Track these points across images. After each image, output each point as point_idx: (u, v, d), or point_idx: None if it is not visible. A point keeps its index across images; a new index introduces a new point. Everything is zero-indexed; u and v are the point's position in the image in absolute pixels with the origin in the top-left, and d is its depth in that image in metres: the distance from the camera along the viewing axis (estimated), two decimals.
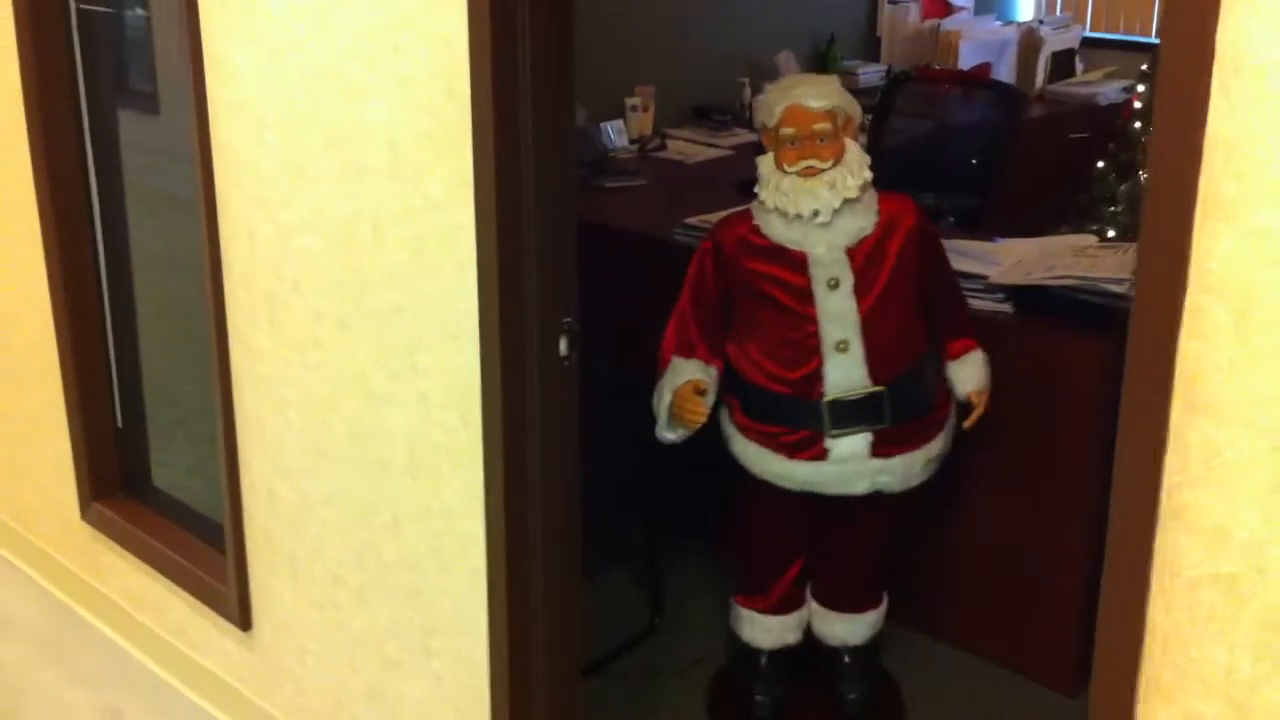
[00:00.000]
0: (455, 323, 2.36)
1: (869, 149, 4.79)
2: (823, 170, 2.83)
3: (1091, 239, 3.81)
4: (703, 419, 2.92)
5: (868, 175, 2.88)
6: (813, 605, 3.27)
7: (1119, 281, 3.20)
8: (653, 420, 3.02)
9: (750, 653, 3.30)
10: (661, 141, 5.07)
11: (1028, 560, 3.37)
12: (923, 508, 3.47)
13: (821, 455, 2.93)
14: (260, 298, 2.76)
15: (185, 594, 3.26)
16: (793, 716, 3.28)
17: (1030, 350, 3.29)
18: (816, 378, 2.89)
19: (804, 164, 2.82)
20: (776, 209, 2.86)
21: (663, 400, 2.97)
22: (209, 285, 2.83)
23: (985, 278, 3.37)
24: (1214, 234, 1.45)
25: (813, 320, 2.88)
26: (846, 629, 3.25)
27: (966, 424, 3.04)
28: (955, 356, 3.03)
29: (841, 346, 2.87)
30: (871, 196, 2.91)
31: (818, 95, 2.83)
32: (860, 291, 2.87)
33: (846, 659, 3.28)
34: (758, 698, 3.25)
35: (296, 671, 3.01)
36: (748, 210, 2.96)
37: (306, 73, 2.49)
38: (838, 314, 2.87)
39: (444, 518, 2.51)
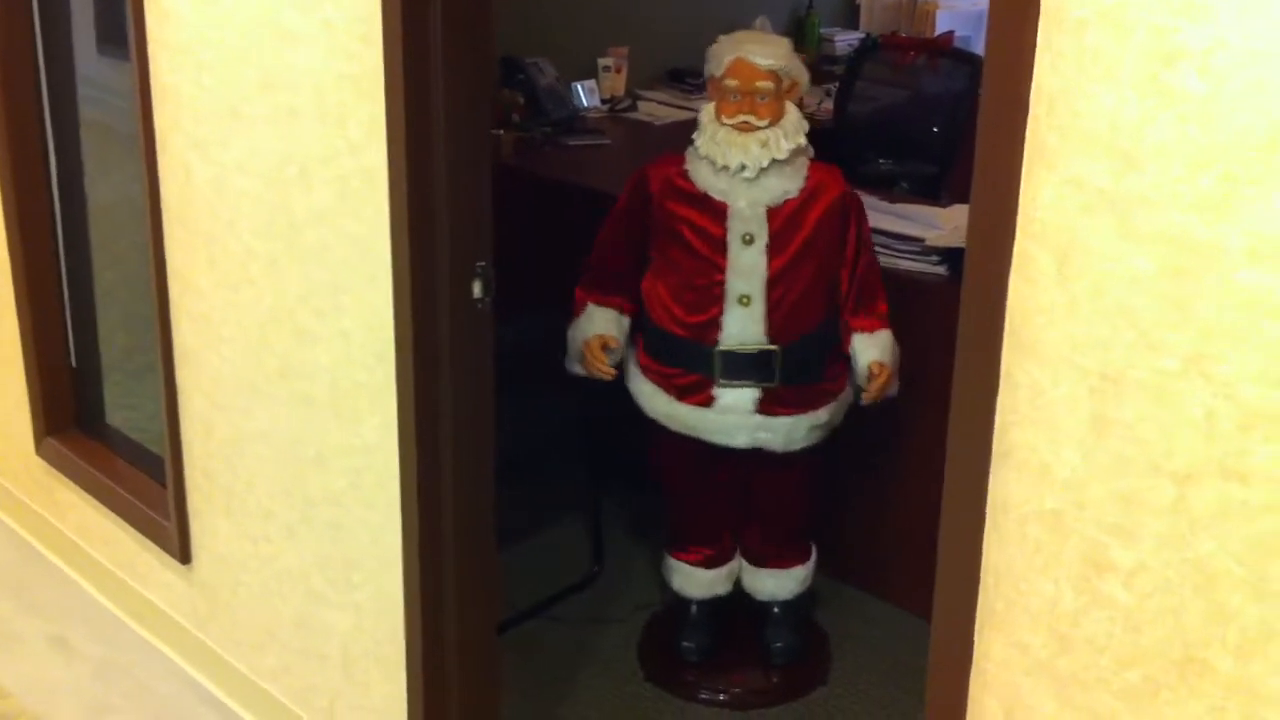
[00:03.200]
0: (373, 263, 2.42)
1: (835, 114, 4.88)
2: (758, 128, 2.89)
3: None
4: (610, 375, 3.05)
5: (802, 141, 2.95)
6: (741, 562, 3.35)
7: None
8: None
9: (681, 601, 3.38)
10: (633, 103, 5.12)
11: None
12: (859, 465, 3.56)
13: (707, 402, 3.02)
14: (198, 236, 2.83)
15: (130, 528, 3.34)
16: (720, 663, 3.36)
17: None
18: (714, 325, 2.97)
19: (741, 118, 2.89)
20: (707, 157, 2.93)
21: (574, 343, 3.09)
22: (149, 223, 2.90)
23: (922, 240, 3.43)
24: (1039, 183, 1.51)
25: (721, 270, 2.95)
26: (774, 584, 3.33)
27: (865, 396, 3.06)
28: (864, 331, 3.05)
29: (744, 300, 2.95)
30: (802, 163, 2.98)
31: (766, 54, 2.90)
32: (772, 250, 2.94)
33: (776, 610, 3.36)
34: (684, 644, 3.33)
35: (232, 604, 3.10)
36: (682, 155, 3.03)
37: (242, 16, 2.55)
38: (746, 269, 2.94)
39: (363, 454, 2.59)
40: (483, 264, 2.43)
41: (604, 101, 5.12)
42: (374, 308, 2.45)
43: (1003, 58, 1.48)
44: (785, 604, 3.35)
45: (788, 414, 3.02)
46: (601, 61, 5.15)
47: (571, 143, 4.59)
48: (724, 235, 2.95)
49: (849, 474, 3.59)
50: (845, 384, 3.12)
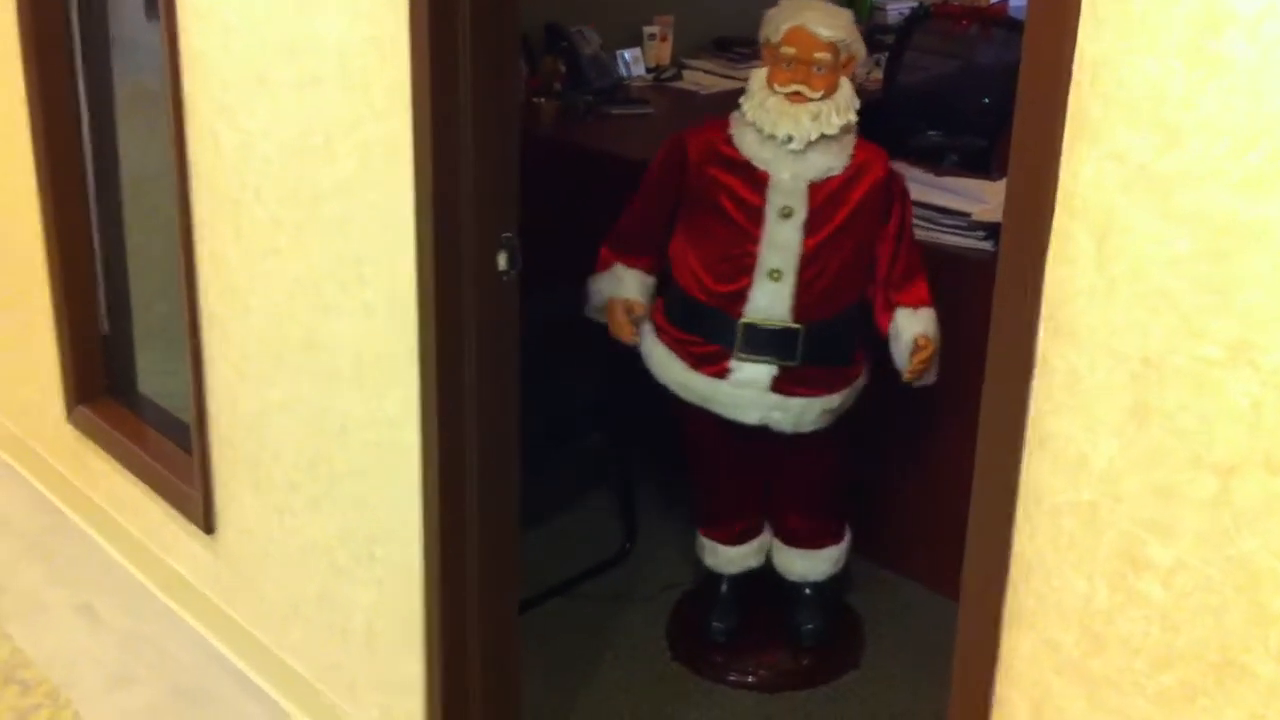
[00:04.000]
0: (397, 234, 2.37)
1: (884, 84, 4.78)
2: (810, 99, 2.81)
3: None
4: (634, 341, 3.02)
5: (852, 117, 2.86)
6: (773, 540, 3.28)
7: None
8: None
9: (712, 578, 3.32)
10: (678, 71, 5.04)
11: None
12: (899, 446, 3.48)
13: (723, 374, 2.95)
14: (226, 204, 2.78)
15: (158, 497, 3.32)
16: (749, 643, 3.30)
17: None
18: (741, 297, 2.90)
19: (794, 88, 2.81)
20: (754, 124, 2.84)
21: (597, 295, 3.06)
22: (177, 191, 2.86)
23: (968, 215, 3.33)
24: (1080, 158, 1.43)
25: (755, 241, 2.88)
26: (806, 565, 3.26)
27: (908, 372, 2.93)
28: (908, 306, 2.94)
29: (775, 275, 2.87)
30: (849, 140, 2.89)
31: (827, 24, 2.81)
32: (810, 227, 2.86)
33: (807, 591, 3.29)
34: (714, 624, 3.27)
35: (256, 576, 3.06)
36: (726, 119, 2.95)
37: None
38: (781, 243, 2.87)
39: (387, 427, 2.53)
40: (509, 235, 2.37)
41: (649, 70, 5.04)
42: (397, 280, 2.39)
43: (1044, 23, 1.40)
44: (816, 585, 3.29)
45: (802, 394, 2.95)
46: (647, 30, 5.06)
47: (614, 112, 4.51)
48: (762, 206, 2.87)
49: (888, 455, 3.52)
50: (863, 370, 3.05)
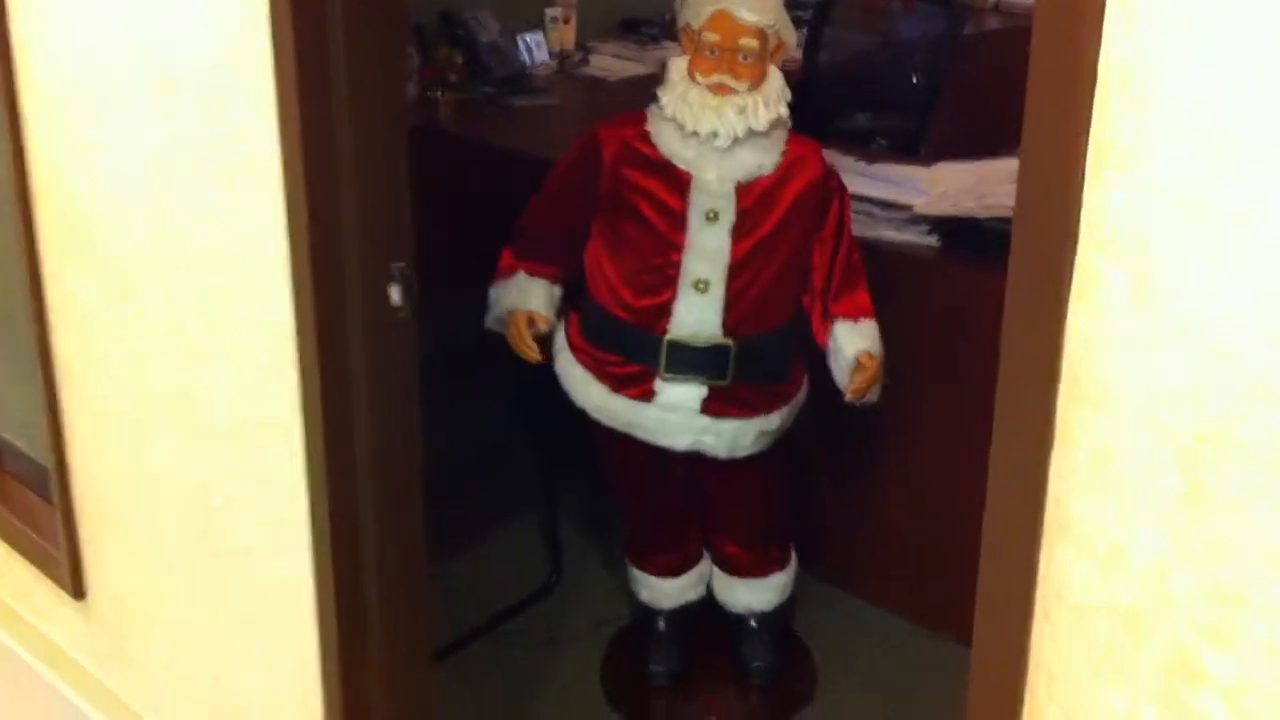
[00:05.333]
0: (270, 269, 2.03)
1: (804, 64, 4.48)
2: (736, 91, 2.50)
3: None
4: (536, 358, 2.69)
5: (783, 111, 2.56)
6: (713, 570, 2.99)
7: None
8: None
9: (649, 613, 3.03)
10: (584, 57, 4.71)
11: (958, 515, 3.07)
12: (844, 457, 3.20)
13: (647, 396, 2.65)
14: (75, 237, 2.42)
15: (22, 557, 2.95)
16: (693, 685, 3.02)
17: (958, 290, 2.98)
18: (665, 312, 2.60)
19: (717, 78, 2.50)
20: (674, 119, 2.53)
21: (497, 305, 2.72)
22: (18, 222, 2.49)
23: (910, 208, 3.05)
24: (1108, 183, 1.13)
25: (678, 250, 2.58)
26: (750, 595, 2.98)
27: (850, 392, 2.64)
28: (848, 318, 2.66)
29: (700, 286, 2.57)
30: (781, 135, 2.60)
31: (753, 8, 2.50)
32: (738, 232, 2.56)
33: (752, 623, 3.01)
34: (652, 666, 2.99)
35: (137, 651, 2.72)
36: (643, 114, 2.64)
37: None
38: (707, 250, 2.57)
39: (270, 492, 2.20)
40: (401, 265, 2.04)
41: (552, 56, 4.70)
42: (274, 321, 2.05)
43: (1061, 17, 1.10)
44: (763, 616, 3.00)
45: (736, 416, 2.66)
46: (549, 12, 4.72)
47: (518, 104, 4.18)
48: (685, 210, 2.57)
49: (833, 466, 3.24)
50: (801, 386, 2.77)
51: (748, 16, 2.48)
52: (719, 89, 2.50)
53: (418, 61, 4.26)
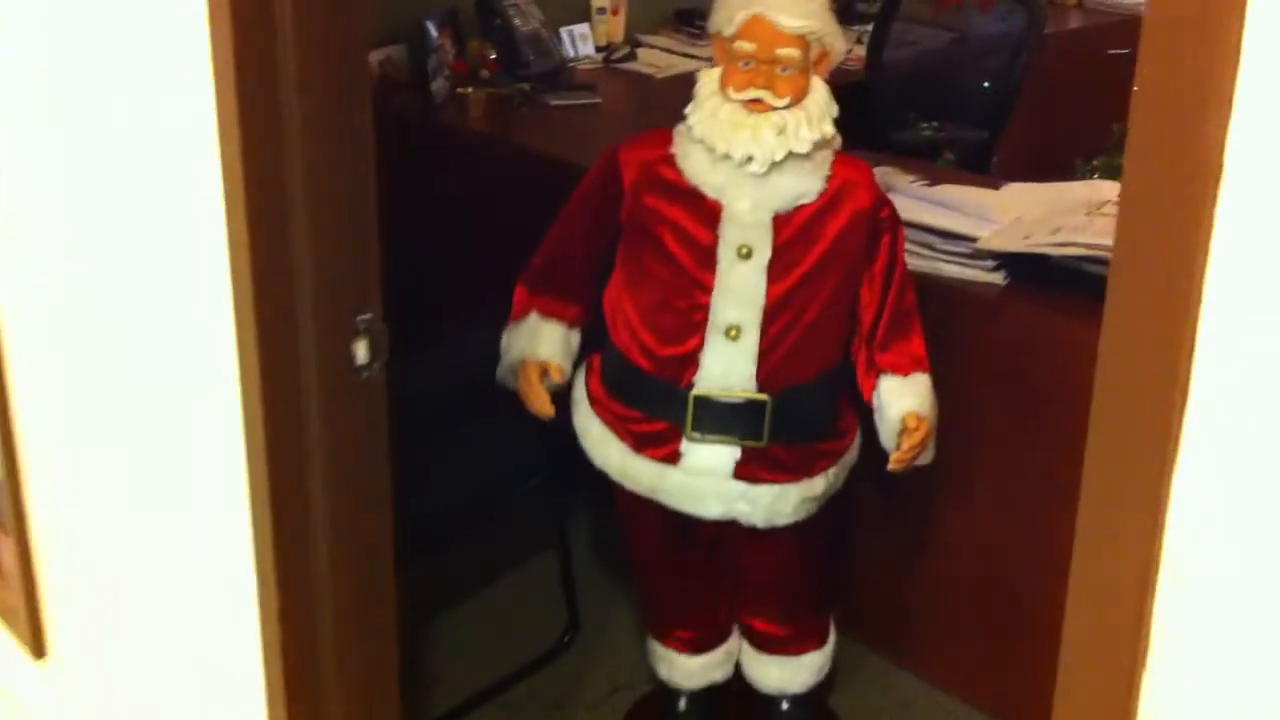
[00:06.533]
0: (213, 327, 1.73)
1: (867, 64, 4.14)
2: (774, 107, 2.18)
3: (1111, 189, 3.13)
4: (549, 414, 2.35)
5: (829, 129, 2.23)
6: (742, 642, 2.68)
7: None
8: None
9: (670, 692, 2.72)
10: (631, 50, 4.40)
11: (1016, 582, 2.74)
12: (887, 513, 2.87)
13: (673, 458, 2.32)
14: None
15: None
16: None
17: (1026, 332, 2.64)
18: (690, 361, 2.28)
19: (753, 93, 2.18)
20: (703, 140, 2.22)
21: (509, 353, 2.40)
22: None
23: (974, 239, 2.71)
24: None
25: (706, 290, 2.25)
26: (784, 675, 2.66)
27: (894, 459, 2.33)
28: (895, 373, 2.34)
29: (732, 333, 2.25)
30: (825, 158, 2.26)
31: (794, 12, 2.17)
32: (775, 270, 2.24)
33: (785, 705, 2.69)
34: None
35: (97, 712, 2.45)
36: (668, 133, 2.31)
37: None
38: (739, 291, 2.24)
39: (221, 573, 1.91)
40: (368, 317, 1.74)
41: (598, 49, 4.40)
42: (219, 385, 1.75)
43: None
44: (796, 698, 2.68)
45: (774, 481, 2.33)
46: (596, 3, 4.41)
47: (554, 103, 3.87)
48: (714, 244, 2.25)
49: (874, 523, 2.91)
50: (852, 441, 2.44)
51: (787, 22, 2.16)
52: (755, 106, 2.19)
53: (452, 54, 3.97)
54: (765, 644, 2.63)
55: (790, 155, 2.19)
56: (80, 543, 2.29)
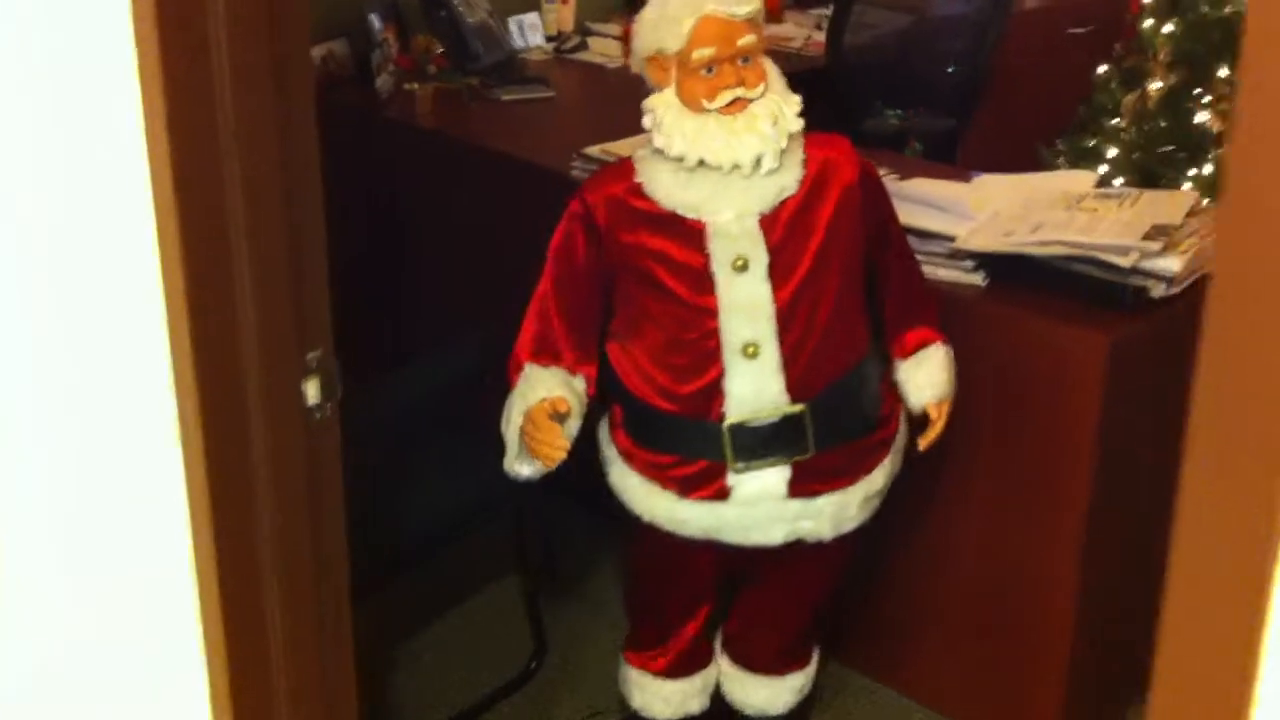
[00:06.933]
0: (148, 369, 1.58)
1: (827, 49, 4.01)
2: (752, 100, 2.06)
3: (1089, 178, 3.02)
4: (562, 455, 2.14)
5: (797, 103, 2.12)
6: (723, 664, 2.56)
7: (1123, 250, 2.43)
8: None
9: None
10: (583, 40, 4.26)
11: (1005, 595, 2.63)
12: (875, 527, 2.76)
13: (723, 495, 2.19)
14: None
15: None
16: None
17: (1008, 335, 2.52)
18: (715, 392, 2.14)
19: (728, 95, 2.06)
20: (680, 159, 2.08)
21: (511, 423, 2.20)
22: None
23: (951, 239, 2.59)
24: None
25: (712, 314, 2.12)
26: (766, 695, 2.55)
27: (922, 444, 2.31)
28: (908, 353, 2.30)
29: (750, 350, 2.12)
30: (797, 143, 2.14)
31: None
32: (777, 275, 2.11)
33: None
34: None
35: None
36: (627, 163, 2.19)
37: None
38: (745, 305, 2.12)
39: (166, 649, 1.76)
40: (318, 354, 1.60)
41: (549, 39, 4.25)
42: (153, 433, 1.60)
43: None
44: None
45: (831, 489, 2.22)
46: None
47: (505, 97, 3.72)
48: (706, 264, 2.12)
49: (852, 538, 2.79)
50: (898, 425, 2.34)
51: (740, 10, 2.05)
52: (736, 107, 2.06)
53: (396, 49, 3.82)
54: (751, 662, 2.52)
55: (789, 139, 2.10)
56: (14, 602, 2.13)
